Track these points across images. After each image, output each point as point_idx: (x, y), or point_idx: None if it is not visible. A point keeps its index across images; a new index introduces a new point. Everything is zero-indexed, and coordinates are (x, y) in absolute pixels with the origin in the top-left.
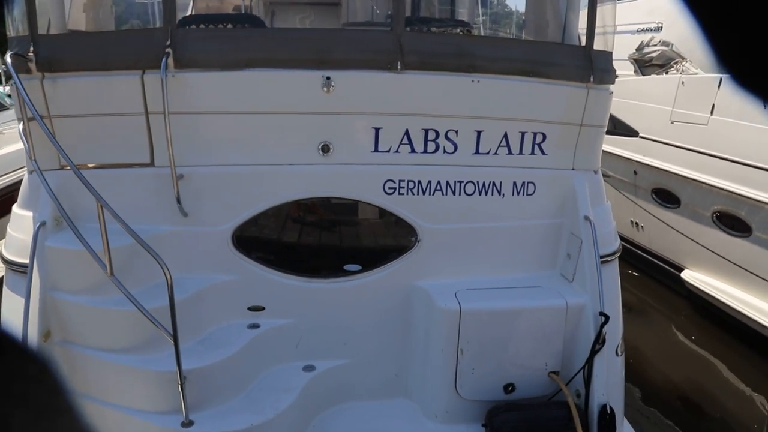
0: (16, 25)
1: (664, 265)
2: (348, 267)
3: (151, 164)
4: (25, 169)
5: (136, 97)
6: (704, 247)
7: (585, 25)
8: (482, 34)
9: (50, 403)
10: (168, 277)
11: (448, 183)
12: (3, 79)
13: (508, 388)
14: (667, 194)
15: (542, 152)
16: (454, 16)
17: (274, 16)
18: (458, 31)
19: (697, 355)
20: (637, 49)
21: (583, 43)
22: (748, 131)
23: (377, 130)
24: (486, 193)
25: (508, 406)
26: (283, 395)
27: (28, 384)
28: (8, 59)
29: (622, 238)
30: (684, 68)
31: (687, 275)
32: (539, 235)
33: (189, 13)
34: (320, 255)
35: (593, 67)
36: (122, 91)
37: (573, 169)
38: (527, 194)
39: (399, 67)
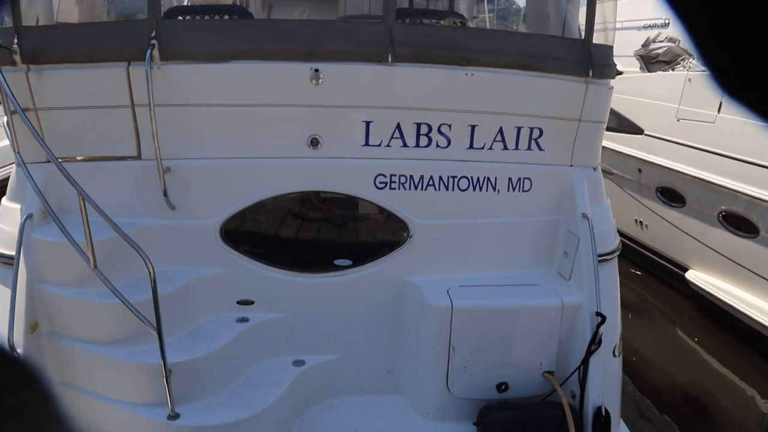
0: (0, 16)
1: (668, 265)
2: (338, 262)
3: (138, 157)
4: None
5: (122, 89)
6: (709, 247)
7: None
8: (486, 27)
9: (38, 412)
10: (150, 270)
11: (441, 178)
12: None
13: (501, 387)
14: (672, 193)
15: (539, 148)
16: (453, 8)
17: (271, 10)
18: (452, 22)
19: (699, 356)
20: (643, 45)
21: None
22: (756, 130)
23: (368, 123)
24: (480, 188)
25: (500, 406)
26: (271, 389)
27: (16, 394)
28: None
29: (626, 237)
30: (691, 65)
31: (691, 275)
32: (535, 232)
33: (185, 3)
34: (310, 249)
35: (592, 61)
36: (108, 84)
37: (571, 165)
38: (523, 190)
39: (390, 59)
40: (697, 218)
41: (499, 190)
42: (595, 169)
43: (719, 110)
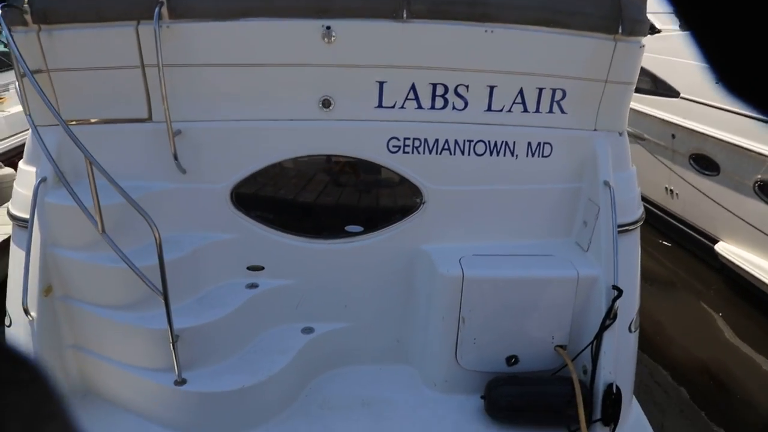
0: None
1: (697, 236)
2: (349, 228)
3: (149, 119)
4: None
5: (132, 49)
6: (742, 219)
7: None
8: None
9: (42, 409)
10: (156, 235)
11: (456, 142)
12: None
13: (511, 360)
14: (706, 160)
15: (561, 110)
16: None
17: None
18: None
19: (724, 331)
20: None
21: None
22: None
23: (381, 84)
24: (498, 153)
25: (508, 379)
26: (278, 357)
27: (20, 391)
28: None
29: (655, 206)
30: None
31: (721, 248)
32: (554, 200)
33: None
34: (321, 215)
35: (623, 17)
36: (118, 44)
37: (595, 129)
38: (543, 156)
39: (405, 15)
40: (731, 187)
41: (517, 156)
42: (621, 134)
43: None
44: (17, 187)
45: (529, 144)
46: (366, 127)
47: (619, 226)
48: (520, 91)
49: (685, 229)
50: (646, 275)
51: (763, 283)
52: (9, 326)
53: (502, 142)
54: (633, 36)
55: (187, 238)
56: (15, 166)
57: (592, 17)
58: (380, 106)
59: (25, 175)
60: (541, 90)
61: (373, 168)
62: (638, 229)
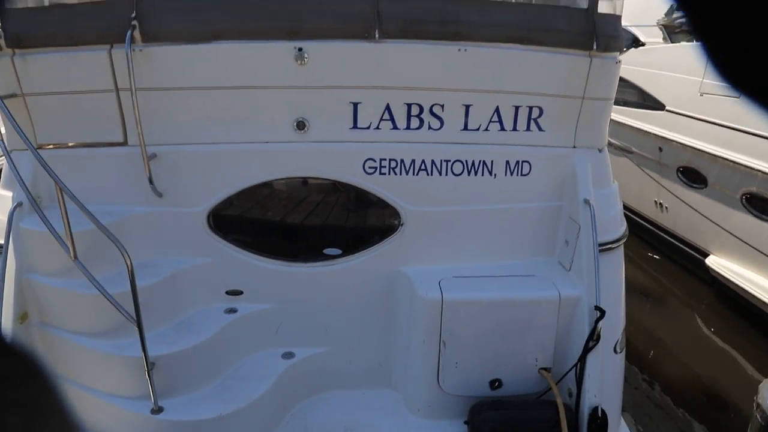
0: None
1: (688, 250)
2: (328, 251)
3: (125, 143)
4: None
5: (105, 73)
6: (731, 232)
7: None
8: None
9: (41, 403)
10: (128, 261)
11: (433, 162)
12: None
13: (495, 383)
14: (693, 173)
15: (539, 128)
16: None
17: None
18: None
19: (716, 346)
20: (665, 14)
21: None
22: None
23: (355, 105)
24: (476, 173)
25: (491, 404)
26: (258, 383)
27: (20, 386)
28: None
29: (645, 219)
30: None
31: (712, 261)
32: (535, 219)
33: None
34: (299, 238)
35: (597, 33)
36: (91, 67)
37: (574, 147)
38: (522, 174)
39: (377, 35)
40: (718, 200)
41: (495, 175)
42: (600, 150)
43: None
44: None
45: (508, 163)
46: (341, 148)
47: (602, 245)
48: (497, 110)
49: (676, 242)
50: (637, 289)
51: (755, 297)
52: None
53: (480, 161)
54: (608, 52)
55: (164, 262)
56: None
57: (565, 34)
58: (355, 127)
59: (2, 200)
60: (517, 108)
61: (350, 190)
62: (621, 247)
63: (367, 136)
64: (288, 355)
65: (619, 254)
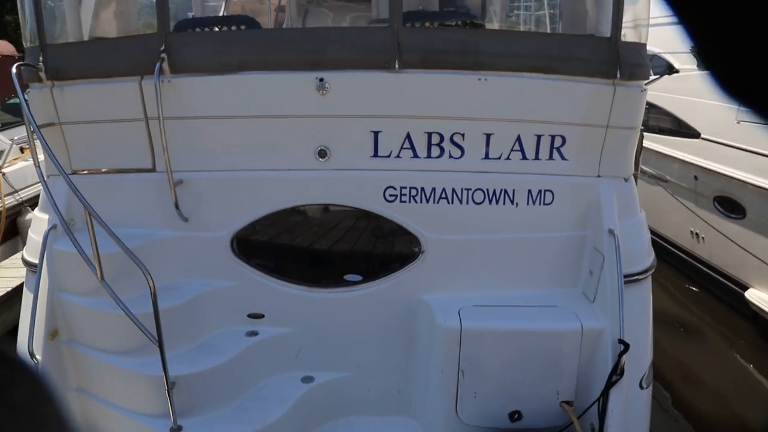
0: (31, 36)
1: (726, 282)
2: (348, 277)
3: (153, 170)
4: None
5: (136, 102)
6: None
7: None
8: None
9: (42, 411)
10: (150, 283)
11: (454, 190)
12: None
13: (514, 415)
14: (731, 203)
15: (562, 157)
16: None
17: (307, 15)
18: (464, 23)
19: (755, 383)
20: None
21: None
22: None
23: (376, 133)
24: (497, 201)
25: None
26: (275, 406)
27: (20, 393)
28: (14, 70)
29: (681, 250)
30: None
31: (752, 295)
32: (558, 248)
33: (221, 13)
34: (320, 263)
35: (620, 62)
36: (123, 98)
37: (598, 176)
38: (544, 203)
39: (397, 66)
40: (758, 231)
41: (517, 204)
42: (626, 179)
43: None
44: (31, 234)
45: (530, 192)
46: (362, 176)
47: (628, 276)
48: (518, 138)
49: (713, 274)
50: (673, 321)
51: None
52: None
53: (501, 190)
54: (633, 80)
55: (188, 285)
56: None
57: (588, 63)
58: (376, 155)
59: (38, 223)
60: (539, 137)
61: (371, 217)
62: (649, 278)
63: (388, 165)
64: (307, 379)
65: (646, 285)
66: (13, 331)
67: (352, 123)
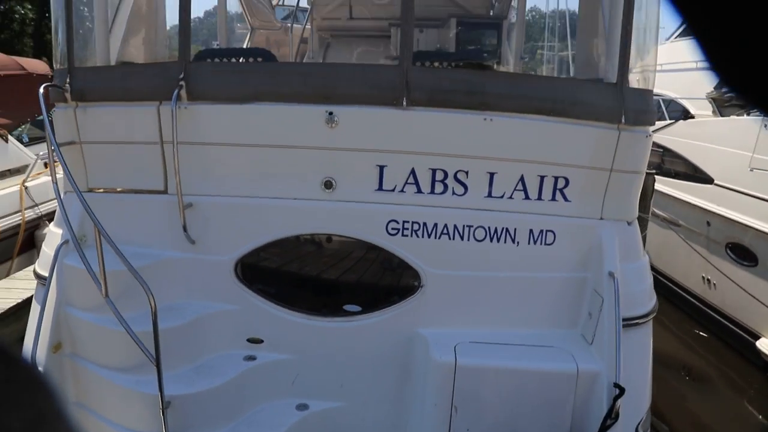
0: (61, 58)
1: (737, 330)
2: (348, 307)
3: (165, 191)
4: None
5: (153, 126)
6: None
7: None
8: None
9: (39, 409)
10: (152, 302)
11: (456, 227)
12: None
13: None
14: (743, 250)
15: (564, 198)
16: (500, 51)
17: (328, 48)
18: (472, 65)
19: None
20: (715, 87)
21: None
22: None
23: (382, 168)
24: (498, 239)
25: None
26: None
27: (19, 390)
28: (41, 91)
29: (692, 295)
30: None
31: (763, 344)
32: (558, 289)
33: (246, 43)
34: (321, 292)
35: (626, 107)
36: (141, 121)
37: (601, 218)
38: (545, 243)
39: (405, 103)
40: None
41: (518, 243)
42: (630, 223)
43: None
44: (44, 248)
45: (531, 231)
46: (366, 209)
47: (629, 319)
48: (521, 178)
49: (725, 321)
50: (681, 367)
51: None
52: None
53: (503, 228)
54: (638, 125)
55: (190, 306)
56: None
57: (593, 107)
58: (380, 189)
59: (52, 237)
60: (542, 177)
61: (373, 249)
62: (650, 323)
63: (392, 199)
64: (302, 407)
65: (646, 330)
66: (21, 341)
67: (359, 156)
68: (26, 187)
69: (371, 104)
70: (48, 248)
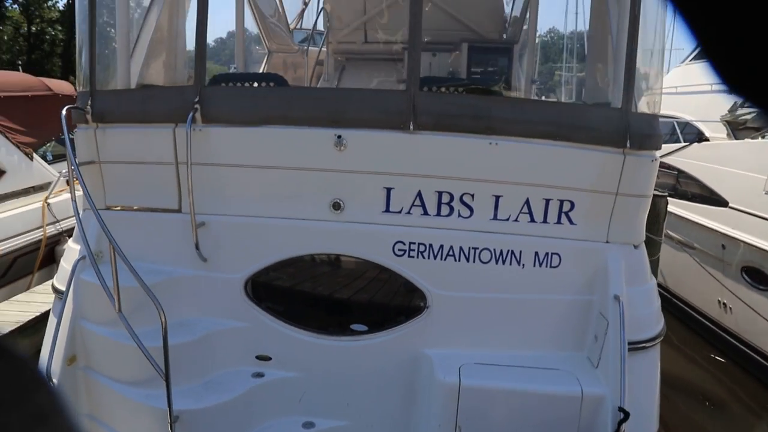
0: (83, 81)
1: (754, 355)
2: (355, 326)
3: (179, 210)
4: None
5: (168, 147)
6: None
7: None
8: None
9: (41, 406)
10: (162, 318)
11: (461, 249)
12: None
13: None
14: (759, 274)
15: (570, 221)
16: (509, 76)
17: (343, 71)
18: (479, 90)
19: None
20: (729, 110)
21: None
22: None
23: (389, 190)
24: (504, 261)
25: None
26: None
27: (20, 389)
28: (63, 113)
29: (708, 319)
30: None
31: None
32: (563, 311)
33: (262, 69)
34: (329, 311)
35: (631, 132)
36: (157, 142)
37: (607, 242)
38: (551, 266)
39: (411, 127)
40: None
41: (524, 265)
42: (636, 246)
43: None
44: (62, 263)
45: (537, 254)
46: (373, 230)
47: (635, 343)
48: (527, 201)
49: (741, 346)
50: (698, 392)
51: None
52: None
53: (508, 250)
54: (643, 150)
55: (201, 322)
56: None
57: (598, 131)
58: (387, 210)
59: (70, 252)
60: (548, 201)
61: (380, 269)
62: (658, 346)
63: (398, 220)
64: (308, 425)
65: (654, 354)
66: (38, 354)
67: (367, 179)
68: (48, 204)
69: (379, 128)
70: (66, 263)
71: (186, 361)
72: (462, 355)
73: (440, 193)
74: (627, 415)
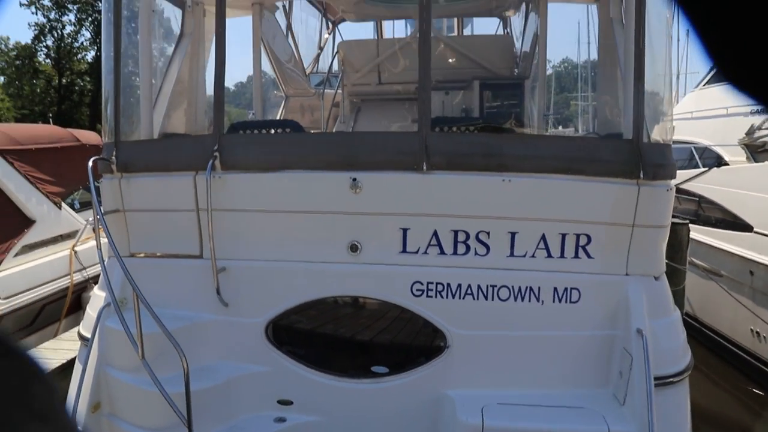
0: (108, 132)
1: None
2: (376, 368)
3: (200, 256)
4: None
5: (189, 194)
6: None
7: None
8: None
9: (40, 406)
10: (184, 364)
11: (479, 287)
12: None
13: None
14: None
15: (588, 255)
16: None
17: (359, 112)
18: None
19: None
20: (747, 133)
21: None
22: None
23: (405, 230)
24: (522, 299)
25: None
26: None
27: (22, 389)
28: (89, 164)
29: (741, 349)
30: None
31: None
32: (585, 347)
33: (280, 114)
34: (349, 354)
35: (644, 162)
36: (178, 190)
37: (626, 274)
38: (571, 302)
39: (425, 167)
40: None
41: (543, 301)
42: (657, 278)
43: None
44: (88, 310)
45: (556, 289)
46: (391, 271)
47: (662, 378)
48: (543, 237)
49: None
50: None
51: None
52: None
53: (527, 287)
54: (657, 180)
55: (223, 367)
56: None
57: (610, 164)
58: (404, 251)
59: (96, 300)
60: (564, 235)
61: (399, 310)
62: (686, 380)
63: (415, 261)
64: None
65: (682, 388)
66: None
67: (383, 220)
68: (75, 252)
69: (393, 170)
70: (91, 310)
71: (208, 406)
72: (484, 395)
73: (456, 232)
74: None
